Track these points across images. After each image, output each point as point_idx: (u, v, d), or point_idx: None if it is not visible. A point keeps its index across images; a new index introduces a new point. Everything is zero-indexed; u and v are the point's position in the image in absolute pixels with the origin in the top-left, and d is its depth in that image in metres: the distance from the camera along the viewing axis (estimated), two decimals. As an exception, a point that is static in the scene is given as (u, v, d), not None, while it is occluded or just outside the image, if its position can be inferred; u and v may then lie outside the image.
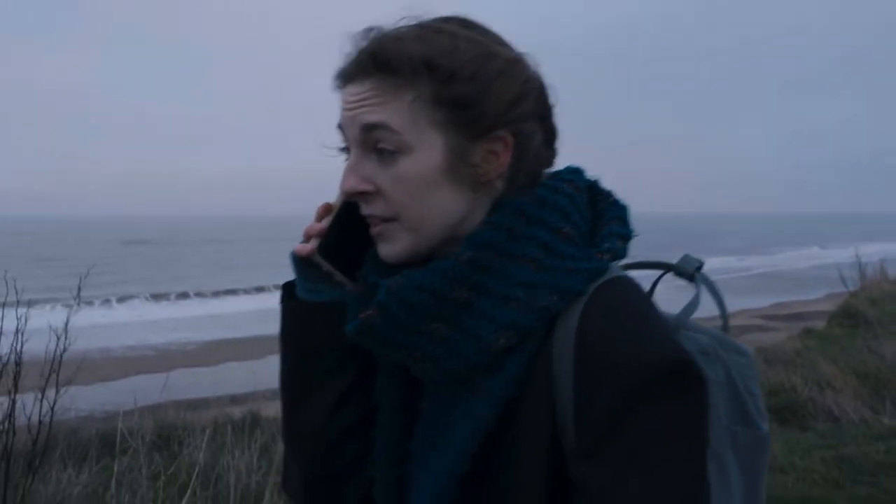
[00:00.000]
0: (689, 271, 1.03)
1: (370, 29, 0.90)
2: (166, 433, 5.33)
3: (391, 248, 0.92)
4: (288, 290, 1.03)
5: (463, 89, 0.86)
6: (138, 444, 3.82)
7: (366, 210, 0.92)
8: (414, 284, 0.86)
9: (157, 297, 28.60)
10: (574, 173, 0.96)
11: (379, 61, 0.86)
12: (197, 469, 3.67)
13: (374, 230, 0.93)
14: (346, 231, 0.97)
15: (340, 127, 0.92)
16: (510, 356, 0.85)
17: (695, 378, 0.80)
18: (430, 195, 0.88)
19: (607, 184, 0.99)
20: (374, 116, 0.87)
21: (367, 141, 0.89)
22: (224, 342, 17.75)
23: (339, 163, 0.94)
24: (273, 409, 6.13)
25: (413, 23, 0.91)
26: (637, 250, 0.98)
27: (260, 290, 28.77)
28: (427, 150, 0.87)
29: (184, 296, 29.27)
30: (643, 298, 0.88)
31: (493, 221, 0.89)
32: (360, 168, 0.90)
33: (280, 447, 4.30)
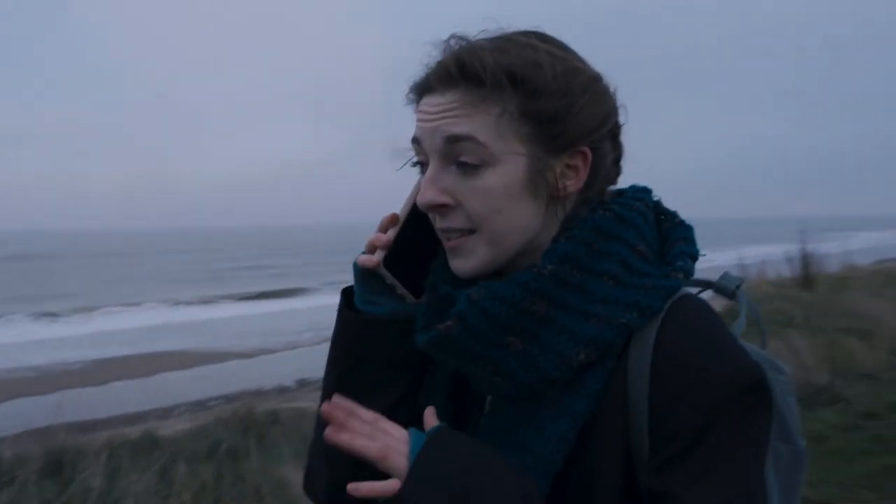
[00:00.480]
0: (730, 289, 1.04)
1: (451, 38, 0.90)
2: (56, 458, 5.03)
3: (467, 261, 0.91)
4: (346, 296, 1.01)
5: (550, 104, 0.86)
6: (26, 472, 3.60)
7: (442, 223, 0.91)
8: (494, 295, 0.86)
9: (37, 316, 27.12)
10: (643, 192, 0.97)
11: (464, 72, 0.85)
12: (93, 495, 3.48)
13: (449, 244, 0.91)
14: (407, 243, 0.96)
15: (416, 139, 0.91)
16: (589, 372, 0.86)
17: (767, 393, 0.84)
18: (510, 209, 0.88)
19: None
20: (460, 128, 0.86)
21: (449, 153, 0.88)
22: (112, 360, 16.99)
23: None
24: (170, 429, 5.91)
25: (493, 35, 0.90)
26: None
27: (137, 304, 27.86)
28: (511, 164, 0.87)
29: (66, 313, 27.88)
30: (715, 316, 0.89)
31: (574, 235, 0.88)
32: (441, 180, 0.89)
33: (181, 468, 4.15)
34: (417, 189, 0.94)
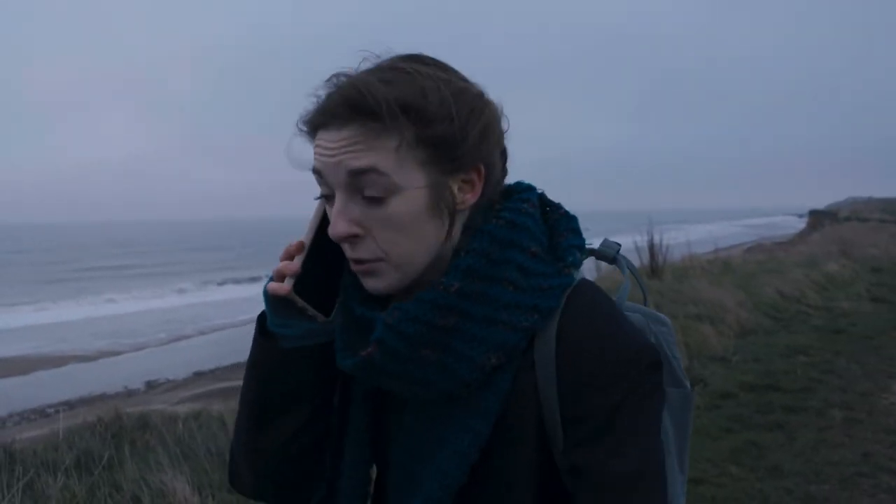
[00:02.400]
0: (610, 254, 1.10)
1: (337, 75, 0.92)
2: None
3: (378, 283, 0.95)
4: (260, 322, 1.03)
5: (443, 130, 0.90)
6: None
7: (353, 254, 0.94)
8: (407, 317, 0.91)
9: None
10: (528, 191, 1.02)
11: (358, 108, 0.88)
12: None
13: (359, 268, 0.95)
14: (311, 264, 0.99)
15: (317, 172, 0.93)
16: (498, 373, 0.93)
17: (660, 366, 0.95)
18: (417, 232, 0.92)
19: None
20: (362, 162, 0.89)
21: (354, 185, 0.90)
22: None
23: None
24: (30, 440, 5.43)
25: (375, 65, 0.93)
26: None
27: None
28: (413, 190, 0.91)
29: None
30: (606, 298, 0.99)
31: (473, 249, 0.94)
32: (349, 211, 0.92)
33: (44, 481, 3.82)
34: (319, 215, 1.00)
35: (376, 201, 0.90)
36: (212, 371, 14.67)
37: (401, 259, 0.93)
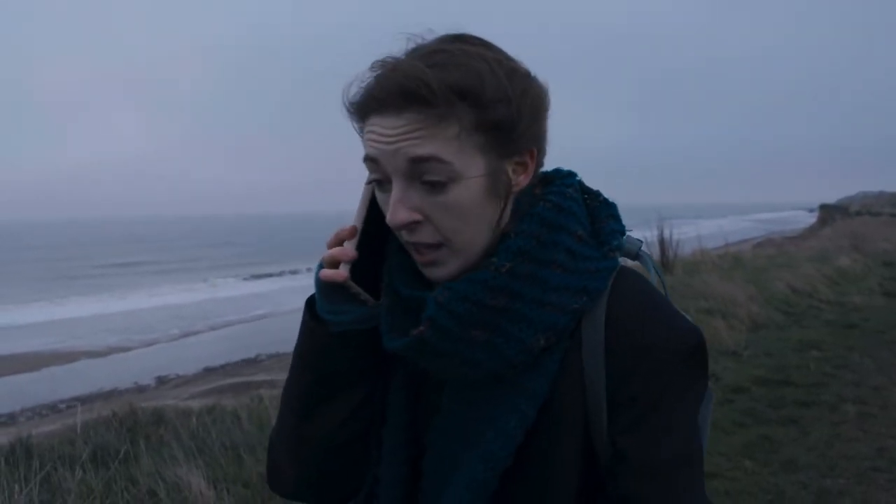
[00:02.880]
0: (633, 251, 1.08)
1: (386, 59, 0.91)
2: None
3: (442, 271, 0.95)
4: (310, 307, 1.03)
5: (500, 113, 0.89)
6: None
7: (411, 238, 0.93)
8: (458, 296, 0.91)
9: None
10: (569, 177, 1.02)
11: (414, 95, 0.86)
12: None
13: (421, 258, 0.95)
14: (359, 249, 0.98)
15: (372, 159, 0.92)
16: (546, 354, 0.93)
17: (705, 349, 0.96)
18: (477, 217, 0.92)
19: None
20: (423, 150, 0.88)
21: (414, 172, 0.90)
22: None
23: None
24: (43, 434, 5.47)
25: (420, 46, 0.92)
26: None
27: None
28: (473, 176, 0.90)
29: None
30: (651, 286, 1.00)
31: (523, 230, 0.94)
32: (408, 199, 0.91)
33: (61, 475, 3.84)
34: (368, 195, 0.99)
35: (437, 187, 0.90)
36: (222, 367, 14.73)
37: (463, 245, 0.93)
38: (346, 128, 0.96)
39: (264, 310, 24.64)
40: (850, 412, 5.69)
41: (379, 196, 0.96)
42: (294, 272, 38.71)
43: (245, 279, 37.30)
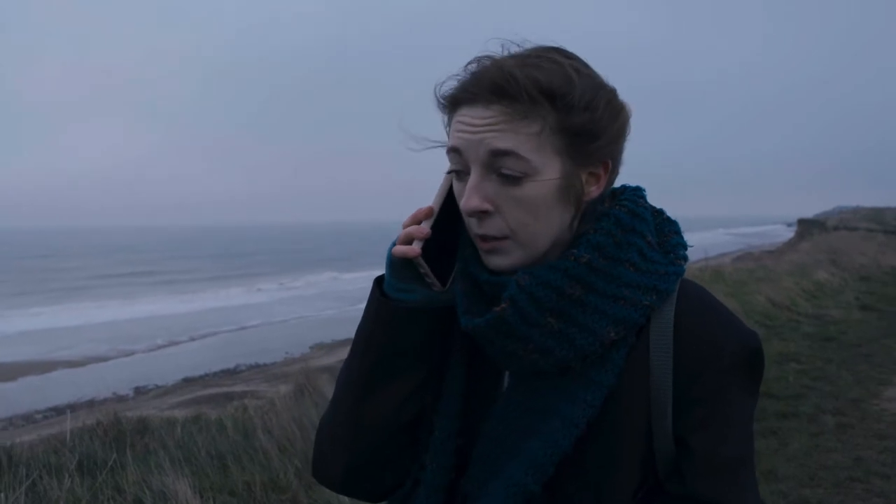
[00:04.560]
0: None
1: (482, 57, 0.96)
2: None
3: (503, 260, 0.99)
4: (378, 284, 1.06)
5: (583, 120, 0.94)
6: None
7: (479, 229, 0.98)
8: (540, 281, 0.95)
9: None
10: (639, 191, 1.08)
11: (504, 89, 0.92)
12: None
13: (485, 246, 0.99)
14: (434, 234, 1.01)
15: (456, 150, 0.97)
16: (615, 348, 0.97)
17: (762, 354, 1.02)
18: (545, 215, 0.96)
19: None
20: (504, 143, 0.93)
21: (492, 164, 0.95)
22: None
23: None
24: (27, 441, 5.42)
25: (521, 53, 0.96)
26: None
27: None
28: (548, 175, 0.95)
29: None
30: (711, 294, 1.04)
31: (601, 228, 0.98)
32: (483, 188, 0.96)
33: (46, 484, 3.82)
34: (447, 185, 1.03)
35: (512, 180, 0.94)
36: (201, 377, 14.63)
37: (527, 239, 0.97)
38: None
39: (244, 320, 24.52)
40: (828, 423, 5.78)
41: (456, 186, 1.00)
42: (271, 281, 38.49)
43: (224, 290, 37.04)
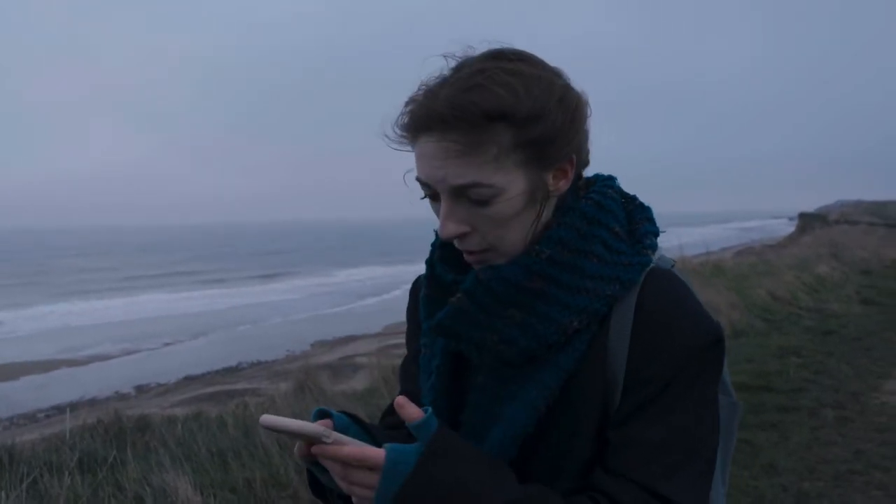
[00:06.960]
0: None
1: (427, 87, 0.97)
2: None
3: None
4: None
5: (537, 131, 0.95)
6: None
7: (462, 246, 1.03)
8: (498, 276, 0.99)
9: None
10: (610, 180, 1.11)
11: (451, 121, 0.93)
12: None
13: (471, 258, 1.04)
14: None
15: (421, 181, 1.00)
16: (577, 336, 1.00)
17: (723, 343, 1.02)
18: (518, 224, 1.00)
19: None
20: (464, 178, 0.95)
21: (459, 192, 0.97)
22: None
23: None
24: (28, 439, 5.44)
25: (458, 68, 0.97)
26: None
27: None
28: (515, 191, 0.98)
29: None
30: (682, 283, 1.05)
31: (565, 222, 1.01)
32: (455, 214, 0.99)
33: (47, 482, 3.83)
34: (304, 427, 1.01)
35: (481, 203, 0.97)
36: (203, 375, 14.64)
37: (506, 248, 1.01)
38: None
39: (246, 319, 24.54)
40: (828, 417, 5.78)
41: (433, 206, 1.03)
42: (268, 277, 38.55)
43: (226, 288, 37.08)
